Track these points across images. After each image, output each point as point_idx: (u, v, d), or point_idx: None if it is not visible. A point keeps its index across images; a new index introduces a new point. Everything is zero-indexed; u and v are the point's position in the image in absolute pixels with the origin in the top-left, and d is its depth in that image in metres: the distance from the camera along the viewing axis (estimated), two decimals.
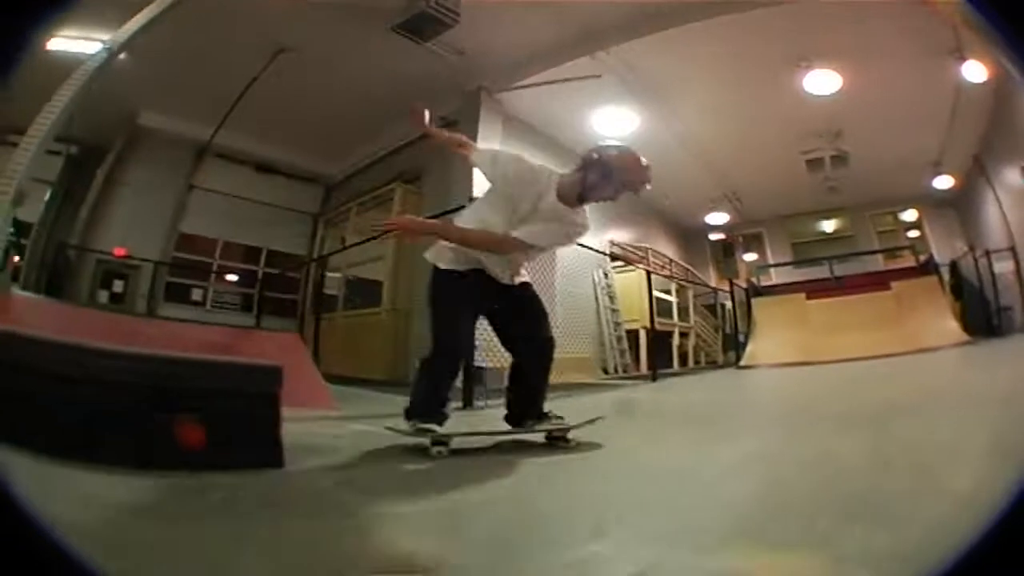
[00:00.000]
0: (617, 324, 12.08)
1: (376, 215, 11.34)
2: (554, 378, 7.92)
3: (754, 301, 14.77)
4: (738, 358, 13.34)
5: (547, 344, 4.01)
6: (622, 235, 14.18)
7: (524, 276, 4.03)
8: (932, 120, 14.34)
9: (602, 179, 3.75)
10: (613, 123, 11.91)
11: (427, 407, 3.65)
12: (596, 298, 11.90)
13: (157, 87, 10.27)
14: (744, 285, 15.82)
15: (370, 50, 9.62)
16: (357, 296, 12.06)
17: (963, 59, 11.67)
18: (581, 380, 9.10)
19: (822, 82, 11.81)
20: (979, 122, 14.51)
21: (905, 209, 20.07)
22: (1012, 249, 14.35)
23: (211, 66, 9.77)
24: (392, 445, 3.61)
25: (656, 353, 12.46)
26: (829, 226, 20.86)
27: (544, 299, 4.17)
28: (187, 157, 11.96)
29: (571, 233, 3.90)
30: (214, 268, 12.36)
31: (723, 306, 15.67)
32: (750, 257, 20.46)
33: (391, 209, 11.06)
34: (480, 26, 9.39)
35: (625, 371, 11.53)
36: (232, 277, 12.89)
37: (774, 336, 13.31)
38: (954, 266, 15.28)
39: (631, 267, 13.35)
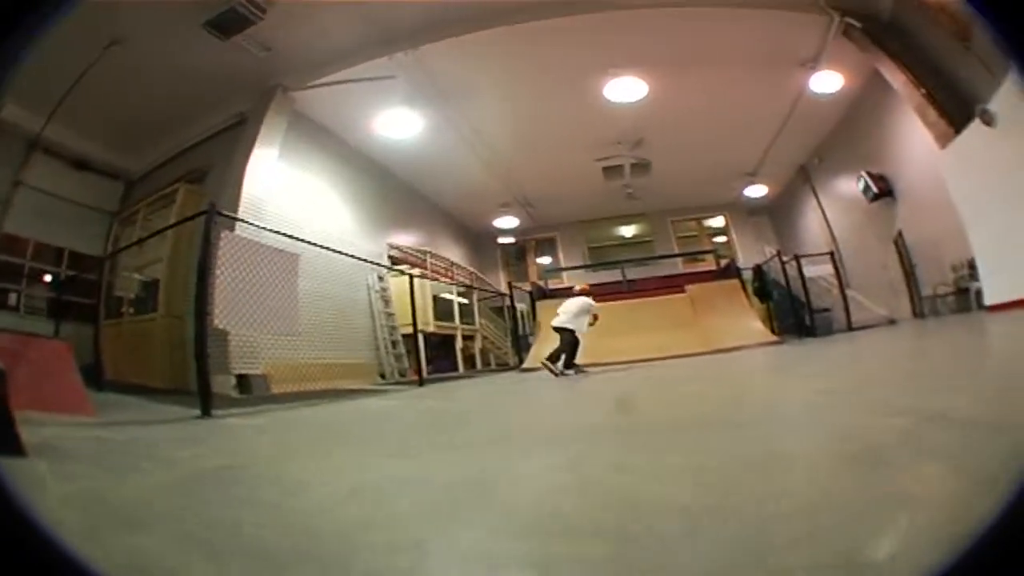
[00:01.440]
0: (392, 328, 12.51)
1: (163, 215, 11.16)
2: (323, 385, 8.64)
3: (538, 304, 15.63)
4: (521, 360, 14.24)
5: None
6: (404, 239, 14.70)
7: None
8: (756, 131, 15.88)
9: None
10: (399, 125, 12.50)
11: (571, 365, 10.33)
12: (370, 303, 12.29)
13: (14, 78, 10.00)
14: (527, 288, 16.89)
15: (187, 45, 9.73)
16: (141, 300, 11.87)
17: (816, 69, 12.84)
18: (349, 386, 9.50)
19: (626, 90, 12.67)
20: (814, 133, 16.29)
21: (712, 216, 22.28)
22: (832, 254, 16.14)
23: (56, 55, 9.31)
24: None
25: (440, 356, 13.40)
26: (628, 231, 22.57)
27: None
28: (20, 153, 11.48)
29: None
30: (24, 271, 12.11)
31: (513, 308, 16.50)
32: (544, 260, 21.82)
33: (172, 210, 10.95)
34: (287, 23, 9.73)
35: (402, 376, 11.97)
36: (47, 279, 12.62)
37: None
38: (759, 270, 16.70)
39: (410, 271, 13.32)
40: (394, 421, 5.59)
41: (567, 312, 10.83)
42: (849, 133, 15.35)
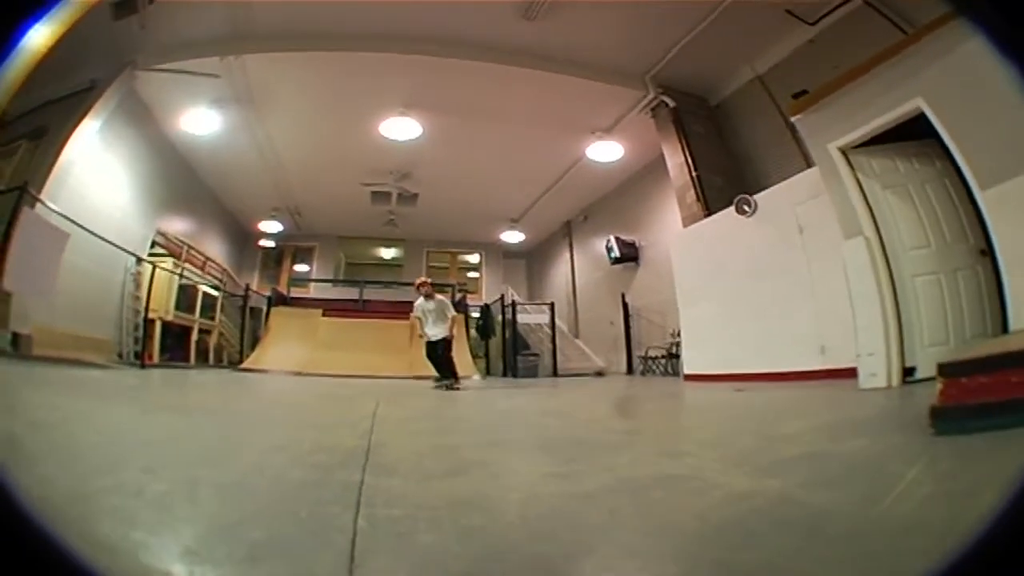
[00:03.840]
0: (137, 312, 12.90)
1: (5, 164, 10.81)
2: (61, 352, 9.63)
3: (274, 310, 17.16)
4: (242, 359, 15.56)
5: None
6: (174, 226, 15.22)
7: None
8: (529, 184, 17.96)
9: (418, 288, 11.07)
10: (206, 121, 13.37)
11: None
12: (123, 284, 12.69)
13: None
14: (267, 293, 18.21)
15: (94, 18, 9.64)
16: None
17: (602, 138, 14.51)
18: (85, 359, 10.33)
19: (402, 128, 14.07)
20: (586, 194, 18.55)
21: (469, 252, 24.48)
22: (552, 305, 18.30)
23: None
24: None
25: (176, 346, 14.28)
26: (385, 253, 24.55)
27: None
28: None
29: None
30: None
31: (247, 310, 17.60)
32: (302, 268, 23.14)
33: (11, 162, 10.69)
34: (166, 7, 10.44)
35: (138, 358, 12.44)
36: None
37: (281, 344, 15.66)
38: (485, 309, 18.82)
39: (168, 258, 14.48)
40: None
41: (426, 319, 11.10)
42: (619, 199, 17.82)
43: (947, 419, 3.45)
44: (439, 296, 11.31)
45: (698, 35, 11.20)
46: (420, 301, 11.12)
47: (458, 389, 10.24)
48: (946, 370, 3.80)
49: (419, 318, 11.13)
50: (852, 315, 7.33)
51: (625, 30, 11.39)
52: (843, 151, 7.57)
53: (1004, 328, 6.01)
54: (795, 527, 1.98)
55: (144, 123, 13.02)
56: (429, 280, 11.48)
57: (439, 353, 10.85)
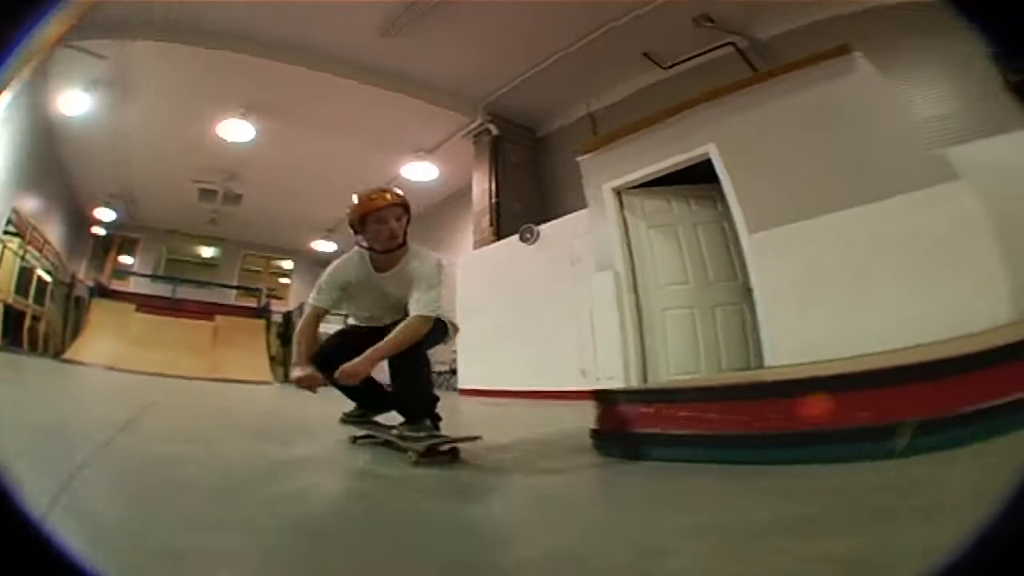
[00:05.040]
0: None
1: None
2: None
3: (93, 301, 17.21)
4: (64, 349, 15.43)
5: None
6: (27, 204, 14.63)
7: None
8: (346, 195, 18.29)
9: (361, 230, 4.58)
10: (72, 103, 13.13)
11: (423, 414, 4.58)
12: None
13: None
14: (90, 283, 18.14)
15: None
16: None
17: (422, 159, 15.14)
18: None
19: (236, 130, 14.36)
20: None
21: (283, 258, 24.73)
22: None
23: None
24: None
25: (14, 331, 13.78)
26: (205, 252, 24.08)
27: None
28: None
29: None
30: None
31: (78, 299, 17.32)
32: (127, 260, 22.33)
33: None
34: None
35: None
36: None
37: (98, 337, 15.70)
38: (288, 316, 19.52)
39: (17, 238, 13.97)
40: None
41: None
42: (434, 218, 17.88)
43: (601, 442, 3.82)
44: (416, 247, 5.01)
45: (545, 68, 11.86)
46: (353, 265, 5.17)
47: (452, 452, 4.25)
48: (598, 396, 4.31)
49: (326, 311, 5.20)
50: (593, 342, 8.19)
51: (475, 57, 11.96)
52: (618, 191, 8.29)
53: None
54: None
55: (38, 98, 12.81)
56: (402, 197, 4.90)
57: (402, 364, 4.68)
